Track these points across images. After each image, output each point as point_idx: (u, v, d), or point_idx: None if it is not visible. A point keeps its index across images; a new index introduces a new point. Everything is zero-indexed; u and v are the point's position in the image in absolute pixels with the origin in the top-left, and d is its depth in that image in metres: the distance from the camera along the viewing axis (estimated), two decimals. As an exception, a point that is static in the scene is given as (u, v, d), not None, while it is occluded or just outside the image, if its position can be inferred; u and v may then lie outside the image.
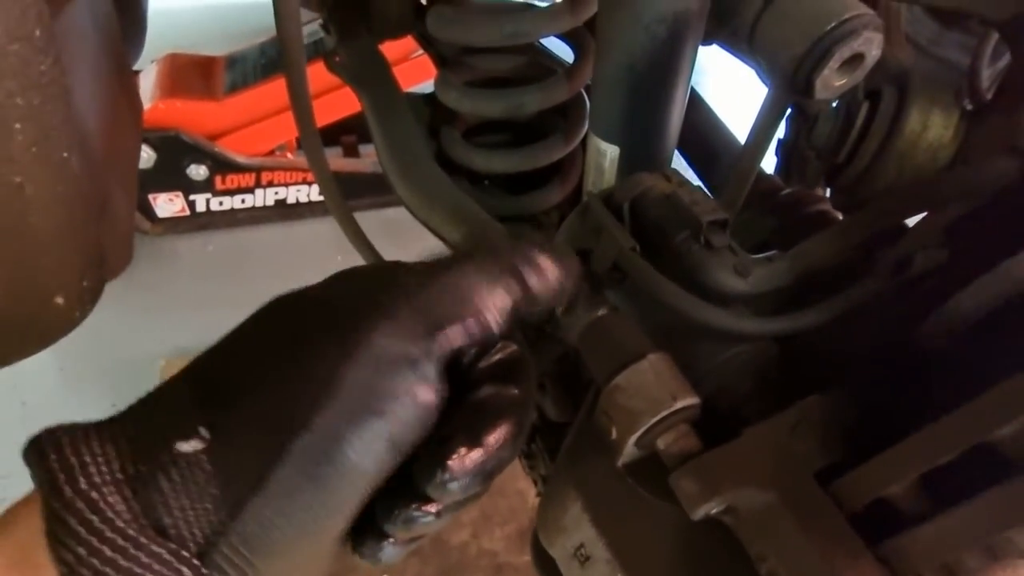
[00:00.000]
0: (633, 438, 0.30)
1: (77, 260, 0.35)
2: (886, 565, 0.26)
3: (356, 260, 1.47)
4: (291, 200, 1.42)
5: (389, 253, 0.64)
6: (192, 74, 1.26)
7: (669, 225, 0.35)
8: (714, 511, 0.28)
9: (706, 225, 0.33)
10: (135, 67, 0.61)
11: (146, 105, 1.17)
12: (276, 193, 1.40)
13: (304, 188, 1.42)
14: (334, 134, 1.44)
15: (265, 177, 1.36)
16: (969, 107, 0.39)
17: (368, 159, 1.44)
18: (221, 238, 1.40)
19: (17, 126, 0.28)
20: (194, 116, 1.22)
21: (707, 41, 0.44)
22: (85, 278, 0.36)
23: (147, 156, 1.20)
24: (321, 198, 1.45)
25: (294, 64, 0.55)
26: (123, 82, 0.49)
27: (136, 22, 0.59)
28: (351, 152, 1.49)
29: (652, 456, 0.32)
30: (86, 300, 0.37)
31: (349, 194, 0.72)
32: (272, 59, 1.28)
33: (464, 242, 0.65)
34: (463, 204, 0.66)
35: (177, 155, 1.23)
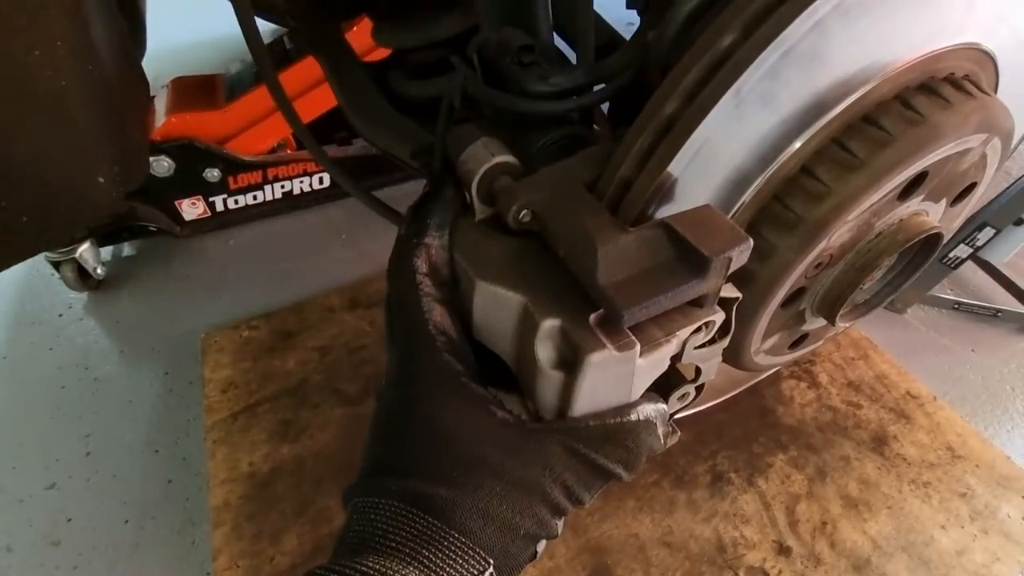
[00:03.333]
0: (474, 188, 0.45)
1: (109, 150, 0.52)
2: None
3: (357, 239, 1.67)
4: (296, 191, 1.61)
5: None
6: (196, 90, 1.47)
7: (500, 58, 0.50)
8: (522, 216, 0.42)
9: (516, 49, 0.48)
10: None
11: (160, 121, 1.38)
12: (282, 187, 1.59)
13: (306, 179, 1.61)
14: (327, 132, 1.63)
15: (271, 173, 1.55)
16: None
17: (359, 145, 1.62)
18: (240, 233, 1.60)
19: (58, 43, 0.44)
20: (202, 125, 1.42)
21: None
22: (116, 164, 0.53)
23: (168, 165, 1.41)
24: (322, 186, 1.65)
25: (267, 70, 0.71)
26: (128, 54, 0.67)
27: (136, 20, 0.77)
28: (345, 144, 1.67)
29: (497, 215, 0.46)
30: (119, 183, 0.54)
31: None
32: (262, 69, 1.48)
33: (411, 157, 0.81)
34: (407, 126, 0.81)
35: (193, 161, 1.43)
